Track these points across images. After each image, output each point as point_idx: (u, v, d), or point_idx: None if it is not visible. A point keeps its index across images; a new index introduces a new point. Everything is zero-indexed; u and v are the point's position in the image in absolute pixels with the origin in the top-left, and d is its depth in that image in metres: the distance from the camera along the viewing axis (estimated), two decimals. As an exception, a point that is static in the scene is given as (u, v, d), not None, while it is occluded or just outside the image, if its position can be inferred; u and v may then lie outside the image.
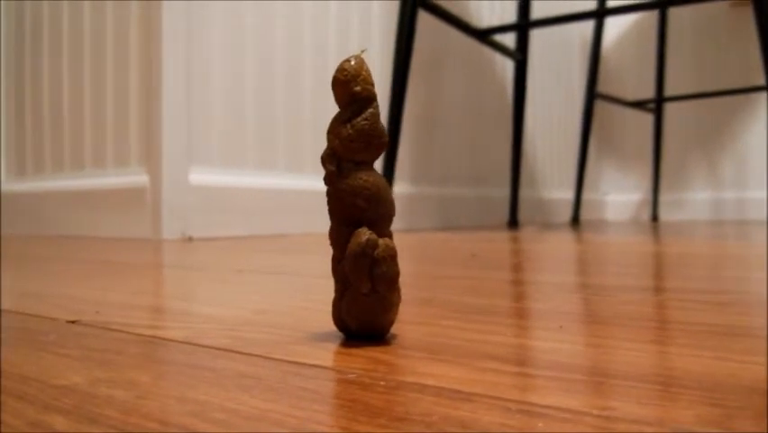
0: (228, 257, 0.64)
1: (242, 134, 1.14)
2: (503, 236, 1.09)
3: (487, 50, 1.78)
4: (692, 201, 2.28)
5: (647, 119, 2.36)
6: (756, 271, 0.46)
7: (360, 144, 0.23)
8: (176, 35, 1.03)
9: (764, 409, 0.15)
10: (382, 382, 0.18)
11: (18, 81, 1.31)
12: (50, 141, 1.24)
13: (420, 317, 0.29)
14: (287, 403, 0.16)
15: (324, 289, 0.39)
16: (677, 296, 0.35)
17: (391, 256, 0.23)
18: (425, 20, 1.50)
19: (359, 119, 0.23)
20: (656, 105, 2.16)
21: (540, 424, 0.14)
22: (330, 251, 0.52)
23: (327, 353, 0.22)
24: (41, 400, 0.16)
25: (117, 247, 0.81)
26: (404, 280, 0.42)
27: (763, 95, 2.12)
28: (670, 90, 2.26)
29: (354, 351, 0.22)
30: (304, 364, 0.20)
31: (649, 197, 2.37)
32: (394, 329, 0.25)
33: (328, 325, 0.26)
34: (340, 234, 0.23)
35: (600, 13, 1.22)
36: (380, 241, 0.23)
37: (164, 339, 0.24)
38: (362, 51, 0.23)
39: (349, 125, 0.23)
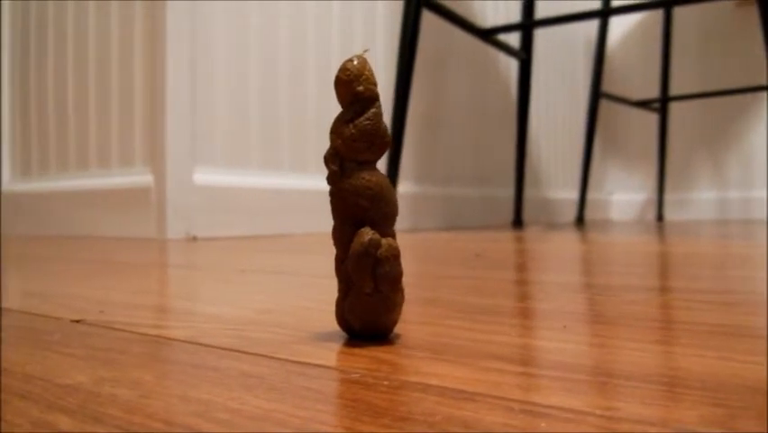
0: (232, 257, 0.64)
1: (246, 134, 1.14)
2: (507, 236, 1.09)
3: (491, 50, 1.78)
4: (697, 201, 2.27)
5: (652, 119, 2.35)
6: (761, 271, 0.46)
7: (362, 144, 0.23)
8: (180, 35, 1.03)
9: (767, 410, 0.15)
10: (385, 382, 0.18)
11: (23, 81, 1.31)
12: (55, 141, 1.24)
13: (423, 316, 0.29)
14: (290, 403, 0.16)
15: (328, 288, 0.39)
16: (682, 296, 0.34)
17: (394, 256, 0.23)
18: (429, 19, 1.50)
19: (361, 119, 0.23)
20: (661, 104, 2.16)
21: (543, 424, 0.14)
22: (333, 250, 0.52)
23: (331, 352, 0.22)
24: (46, 400, 0.17)
25: (121, 247, 0.82)
26: (407, 280, 0.42)
27: (768, 94, 2.12)
28: (675, 90, 2.25)
29: (357, 351, 0.22)
30: (307, 364, 0.20)
31: (654, 196, 2.36)
32: (397, 329, 0.25)
33: (331, 324, 0.26)
34: (343, 234, 0.23)
35: (605, 13, 1.21)
36: (383, 240, 0.23)
37: (168, 339, 0.24)
38: (365, 51, 0.23)
39: (352, 125, 0.23)
